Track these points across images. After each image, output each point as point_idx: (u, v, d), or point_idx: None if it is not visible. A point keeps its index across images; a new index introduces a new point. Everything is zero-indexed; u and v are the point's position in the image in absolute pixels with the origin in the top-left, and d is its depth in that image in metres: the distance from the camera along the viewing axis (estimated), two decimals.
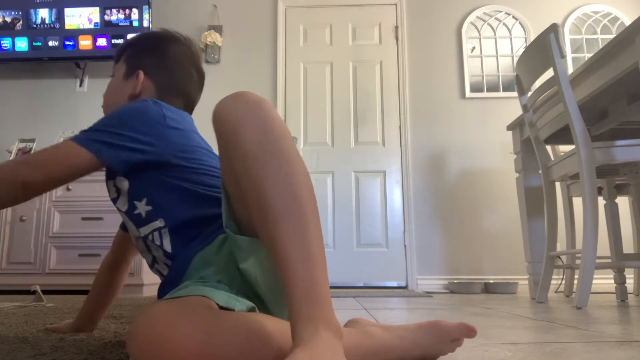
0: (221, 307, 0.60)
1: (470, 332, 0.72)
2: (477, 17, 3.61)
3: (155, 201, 0.81)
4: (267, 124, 0.57)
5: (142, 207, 0.82)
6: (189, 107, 1.01)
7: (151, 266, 0.87)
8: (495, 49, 3.59)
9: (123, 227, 1.06)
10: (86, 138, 0.77)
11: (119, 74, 0.98)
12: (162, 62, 0.97)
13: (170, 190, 0.80)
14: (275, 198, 0.54)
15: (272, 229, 0.53)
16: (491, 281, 3.04)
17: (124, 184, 0.83)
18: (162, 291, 0.79)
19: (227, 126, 0.58)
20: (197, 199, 0.79)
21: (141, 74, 0.96)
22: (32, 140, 3.29)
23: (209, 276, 0.71)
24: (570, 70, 3.38)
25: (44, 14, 3.43)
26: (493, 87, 3.53)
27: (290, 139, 0.58)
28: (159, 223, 0.80)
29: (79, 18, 3.42)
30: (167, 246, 0.79)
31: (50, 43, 3.42)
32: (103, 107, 0.99)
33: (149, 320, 0.53)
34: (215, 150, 0.78)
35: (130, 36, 3.37)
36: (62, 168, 0.75)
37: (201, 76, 1.03)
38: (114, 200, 0.88)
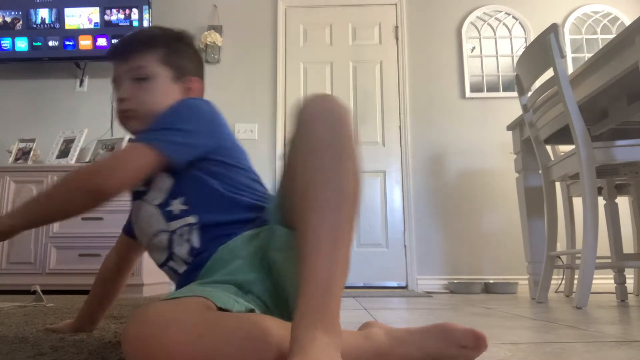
0: (220, 309, 0.60)
1: (477, 340, 0.65)
2: (477, 17, 3.61)
3: (192, 201, 0.81)
4: (343, 128, 0.60)
5: (177, 206, 0.82)
6: None
7: (163, 264, 0.85)
8: (495, 49, 3.59)
9: (127, 231, 1.04)
10: (152, 138, 0.79)
11: (165, 78, 0.92)
12: (200, 67, 0.99)
13: (210, 193, 0.81)
14: (323, 190, 0.57)
15: (310, 217, 0.56)
16: (491, 281, 3.04)
17: (166, 181, 0.83)
18: (180, 284, 0.79)
19: (309, 119, 0.61)
20: (233, 204, 0.81)
21: (196, 81, 0.96)
22: (32, 140, 3.29)
23: (233, 271, 0.72)
24: (570, 70, 3.38)
25: (44, 14, 3.43)
26: (493, 87, 3.53)
27: (357, 149, 0.61)
28: (191, 219, 0.80)
29: (79, 18, 3.42)
30: (196, 241, 0.79)
31: (50, 43, 3.42)
32: (140, 110, 0.89)
33: (141, 322, 0.53)
34: None
35: None
36: (132, 171, 0.77)
37: None
38: (141, 194, 0.86)
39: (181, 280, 0.80)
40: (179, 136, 0.80)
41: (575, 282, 2.55)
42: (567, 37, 3.53)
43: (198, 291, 0.62)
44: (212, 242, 0.78)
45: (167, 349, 0.51)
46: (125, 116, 0.90)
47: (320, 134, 0.59)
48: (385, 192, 3.41)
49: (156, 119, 0.83)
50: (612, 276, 2.19)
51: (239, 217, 0.80)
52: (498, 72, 3.55)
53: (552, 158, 2.28)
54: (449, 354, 0.65)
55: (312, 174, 0.58)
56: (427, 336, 0.66)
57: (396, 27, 3.63)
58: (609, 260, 2.16)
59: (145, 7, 3.38)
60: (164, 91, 0.91)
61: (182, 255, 0.80)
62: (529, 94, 2.18)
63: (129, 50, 0.92)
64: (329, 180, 0.57)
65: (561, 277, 2.61)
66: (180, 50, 0.96)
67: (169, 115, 0.83)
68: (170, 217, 0.82)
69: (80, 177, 0.77)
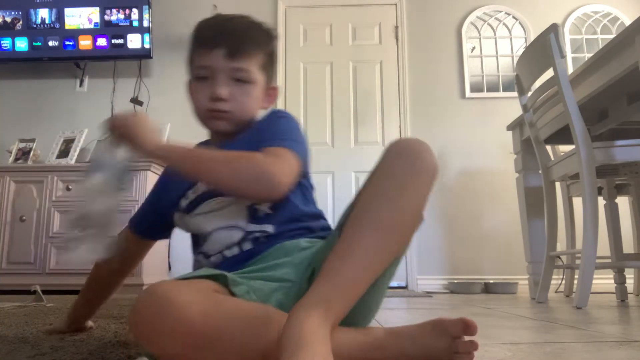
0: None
1: (467, 328, 0.65)
2: (477, 17, 3.61)
3: (277, 209, 0.81)
4: (421, 170, 0.66)
5: (264, 207, 0.81)
6: None
7: (215, 254, 0.82)
8: (495, 49, 3.59)
9: (139, 229, 0.99)
10: (293, 148, 0.79)
11: (261, 85, 0.90)
12: None
13: (291, 204, 0.82)
14: (379, 212, 0.62)
15: (358, 229, 0.62)
16: (491, 281, 3.04)
17: None
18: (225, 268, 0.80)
19: (394, 151, 0.67)
20: (304, 217, 0.83)
21: (276, 89, 0.94)
22: (32, 140, 3.29)
23: (276, 265, 0.75)
24: (570, 70, 3.38)
25: (44, 14, 3.43)
26: (493, 87, 3.53)
27: (427, 194, 0.67)
28: (269, 228, 0.80)
29: (79, 18, 3.42)
30: (263, 241, 0.80)
31: (50, 43, 3.42)
32: (235, 112, 0.86)
33: (149, 296, 0.56)
34: None
35: (130, 36, 3.37)
36: (295, 176, 0.78)
37: None
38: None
39: (225, 265, 0.79)
40: (303, 148, 0.83)
41: (575, 282, 2.54)
42: (567, 37, 3.53)
43: (210, 272, 0.64)
44: (274, 240, 0.80)
45: (171, 323, 0.53)
46: (216, 116, 0.86)
47: (397, 165, 0.65)
48: None
49: (282, 129, 0.83)
50: (612, 276, 2.19)
51: (304, 226, 0.83)
52: (498, 72, 3.55)
53: (552, 158, 2.28)
54: (441, 346, 0.65)
55: (376, 197, 0.64)
56: (421, 331, 0.67)
57: (396, 27, 3.63)
58: (609, 260, 2.16)
59: (145, 7, 3.38)
60: (258, 98, 0.89)
61: (243, 244, 0.80)
62: (529, 94, 2.18)
63: (239, 48, 0.86)
64: (388, 207, 0.62)
65: (561, 277, 2.61)
66: (274, 56, 0.93)
67: (291, 129, 0.84)
68: (254, 217, 0.80)
69: (261, 163, 0.74)
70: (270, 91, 0.93)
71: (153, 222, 0.97)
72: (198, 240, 0.86)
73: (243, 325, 0.56)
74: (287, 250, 0.77)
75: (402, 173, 0.64)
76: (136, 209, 1.03)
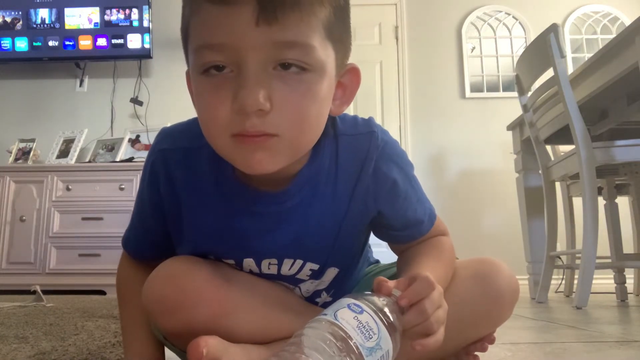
0: None
1: (487, 336, 0.67)
2: (477, 17, 3.61)
3: (338, 292, 0.66)
4: (506, 300, 0.67)
5: (324, 298, 0.67)
6: None
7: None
8: (495, 49, 3.59)
9: (148, 256, 0.66)
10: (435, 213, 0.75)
11: (331, 66, 0.48)
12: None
13: (351, 282, 0.70)
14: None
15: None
16: None
17: (333, 273, 0.65)
18: None
19: (474, 277, 0.69)
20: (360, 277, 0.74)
21: (355, 72, 0.54)
22: (32, 140, 3.29)
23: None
24: (570, 70, 3.38)
25: (44, 14, 3.43)
26: (493, 87, 3.53)
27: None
28: (325, 295, 0.67)
29: (79, 18, 3.42)
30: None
31: (50, 43, 3.42)
32: (289, 136, 0.46)
33: (169, 268, 0.56)
34: None
35: (130, 36, 3.37)
36: None
37: None
38: (296, 280, 0.63)
39: None
40: None
41: (575, 282, 2.54)
42: (567, 37, 3.53)
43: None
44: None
45: (197, 289, 0.54)
46: (249, 144, 0.46)
47: (471, 291, 0.65)
48: None
49: (412, 200, 0.61)
50: (612, 276, 2.19)
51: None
52: (498, 72, 3.55)
53: (552, 158, 2.28)
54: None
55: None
56: None
57: (396, 27, 3.63)
58: (609, 260, 2.16)
59: (145, 7, 3.38)
60: (327, 97, 0.49)
61: None
62: (529, 94, 2.18)
63: (280, 2, 0.44)
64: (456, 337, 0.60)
65: (561, 277, 2.61)
66: (346, 9, 0.50)
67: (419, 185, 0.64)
68: (312, 302, 0.66)
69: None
70: (347, 78, 0.53)
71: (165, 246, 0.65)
72: None
73: (265, 293, 0.59)
74: None
75: (478, 300, 0.62)
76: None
